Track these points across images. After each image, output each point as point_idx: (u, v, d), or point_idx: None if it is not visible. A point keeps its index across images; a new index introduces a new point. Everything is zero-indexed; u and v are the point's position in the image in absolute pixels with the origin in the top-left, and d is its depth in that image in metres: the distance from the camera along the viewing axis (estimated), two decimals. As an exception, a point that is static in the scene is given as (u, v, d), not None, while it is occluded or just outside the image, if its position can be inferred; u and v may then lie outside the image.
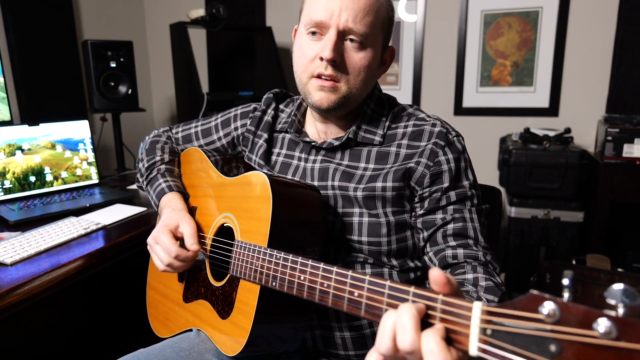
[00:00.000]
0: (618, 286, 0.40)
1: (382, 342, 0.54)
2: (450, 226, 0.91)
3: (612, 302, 0.40)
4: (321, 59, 0.89)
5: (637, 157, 2.10)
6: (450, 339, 0.51)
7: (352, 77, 0.91)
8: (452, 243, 0.91)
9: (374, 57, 0.92)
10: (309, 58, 0.91)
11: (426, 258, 0.95)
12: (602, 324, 0.39)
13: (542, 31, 2.50)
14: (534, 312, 0.44)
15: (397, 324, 0.54)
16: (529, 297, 0.45)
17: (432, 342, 0.50)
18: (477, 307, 0.49)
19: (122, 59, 2.20)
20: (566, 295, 0.43)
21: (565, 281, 0.43)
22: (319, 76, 0.91)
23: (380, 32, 0.92)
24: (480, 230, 0.92)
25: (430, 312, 0.54)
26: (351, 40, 0.89)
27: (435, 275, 0.54)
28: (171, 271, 0.98)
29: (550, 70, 2.52)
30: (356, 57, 0.90)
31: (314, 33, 0.91)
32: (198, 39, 3.07)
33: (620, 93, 2.40)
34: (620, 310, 0.40)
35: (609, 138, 2.12)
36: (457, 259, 0.90)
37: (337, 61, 0.89)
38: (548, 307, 0.43)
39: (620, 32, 2.35)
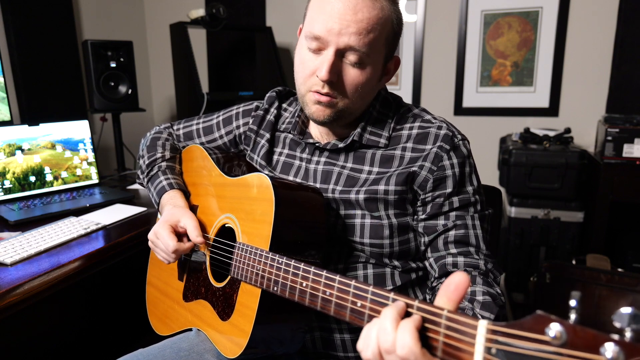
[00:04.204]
0: (626, 310, 0.39)
1: (369, 348, 0.57)
2: (452, 233, 0.90)
3: (620, 325, 0.40)
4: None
5: (637, 157, 2.10)
6: (454, 355, 0.51)
7: (350, 94, 0.89)
8: (453, 250, 0.90)
9: (373, 73, 0.90)
10: (307, 72, 0.90)
11: (427, 263, 0.95)
12: (610, 349, 0.39)
13: (542, 31, 2.50)
14: (540, 333, 0.43)
15: (379, 328, 0.56)
16: (535, 318, 0.44)
17: (405, 333, 0.52)
18: (483, 325, 0.49)
19: (122, 59, 2.20)
20: (573, 316, 0.42)
21: (573, 302, 0.42)
22: (316, 91, 0.89)
23: (383, 47, 0.89)
24: (482, 237, 0.91)
25: (434, 327, 0.54)
26: (351, 57, 0.86)
27: (460, 280, 0.54)
28: (173, 261, 1.01)
29: (550, 70, 2.51)
30: (354, 75, 0.87)
31: (314, 45, 0.88)
32: (198, 39, 3.06)
33: (620, 93, 2.40)
34: (628, 335, 0.39)
35: (609, 138, 2.12)
36: (457, 267, 0.89)
37: (334, 80, 0.87)
38: (555, 329, 0.42)
39: (620, 32, 2.35)
